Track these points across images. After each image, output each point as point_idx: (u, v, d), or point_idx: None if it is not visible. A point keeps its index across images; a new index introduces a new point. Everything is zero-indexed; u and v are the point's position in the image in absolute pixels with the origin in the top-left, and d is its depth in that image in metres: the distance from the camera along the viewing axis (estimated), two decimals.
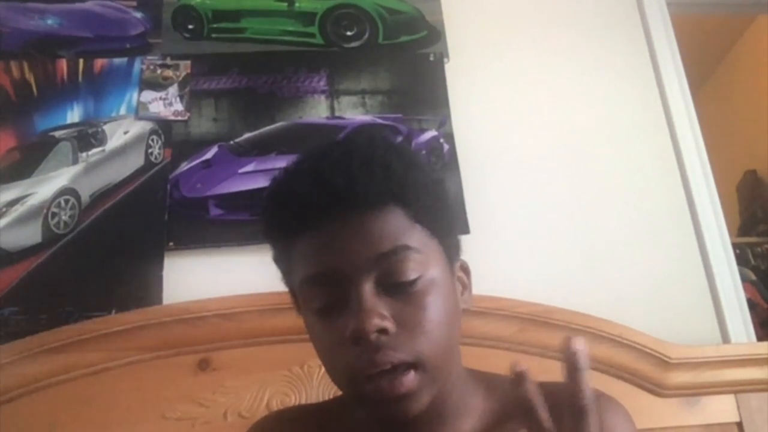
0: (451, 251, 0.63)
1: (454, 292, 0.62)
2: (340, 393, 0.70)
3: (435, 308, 0.57)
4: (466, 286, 0.66)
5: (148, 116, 1.39)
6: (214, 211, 1.31)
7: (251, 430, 0.73)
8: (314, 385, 1.10)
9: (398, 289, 0.56)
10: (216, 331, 1.13)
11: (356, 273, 0.55)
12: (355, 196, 0.56)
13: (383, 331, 0.54)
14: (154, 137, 1.37)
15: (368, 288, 0.55)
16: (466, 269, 0.67)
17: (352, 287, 0.55)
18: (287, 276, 0.64)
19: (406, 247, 0.56)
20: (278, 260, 0.65)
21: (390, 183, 0.57)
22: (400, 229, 0.57)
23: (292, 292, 0.65)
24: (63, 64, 1.41)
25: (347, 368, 0.55)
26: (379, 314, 0.54)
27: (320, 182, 0.56)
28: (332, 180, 0.56)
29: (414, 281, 0.56)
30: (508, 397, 0.63)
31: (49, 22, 1.46)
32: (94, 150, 1.35)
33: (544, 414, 0.50)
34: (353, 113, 1.44)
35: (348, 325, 0.54)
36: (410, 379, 0.54)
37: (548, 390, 0.64)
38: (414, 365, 0.54)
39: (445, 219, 0.63)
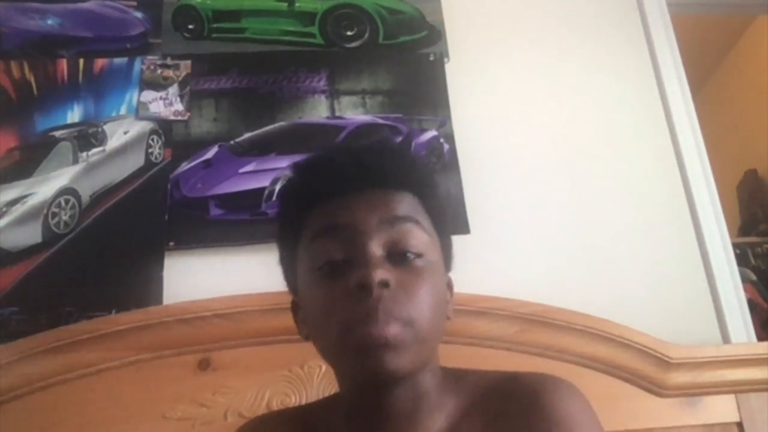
0: (447, 258, 0.68)
1: (446, 291, 0.66)
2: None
3: (431, 286, 0.60)
4: (449, 301, 0.68)
5: (149, 116, 1.39)
6: (215, 211, 1.31)
7: None
8: (314, 385, 1.10)
9: (403, 259, 0.60)
10: (216, 331, 1.13)
11: (368, 229, 0.60)
12: (383, 176, 0.63)
13: (385, 283, 0.57)
14: (155, 137, 1.37)
15: (377, 246, 0.59)
16: (450, 286, 0.70)
17: (362, 242, 0.59)
18: (291, 247, 0.66)
19: (417, 221, 0.62)
20: (285, 232, 0.68)
21: (412, 175, 0.65)
22: (415, 209, 0.63)
23: (288, 270, 0.68)
24: (63, 64, 1.41)
25: (345, 317, 0.57)
26: (384, 268, 0.58)
27: (355, 158, 0.63)
28: (366, 159, 0.63)
29: (418, 255, 0.61)
30: (474, 392, 0.66)
31: (50, 22, 1.46)
32: (95, 150, 1.35)
33: None
34: (353, 113, 1.44)
35: (352, 278, 0.57)
36: (398, 329, 0.56)
37: (498, 380, 0.66)
38: (405, 322, 0.57)
39: (446, 225, 0.69)
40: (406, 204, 0.63)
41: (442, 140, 1.43)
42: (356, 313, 0.56)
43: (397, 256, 0.60)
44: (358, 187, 0.62)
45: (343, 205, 0.62)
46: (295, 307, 0.68)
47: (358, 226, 0.60)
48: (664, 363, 1.18)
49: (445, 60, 1.52)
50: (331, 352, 0.61)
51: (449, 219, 0.71)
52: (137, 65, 1.44)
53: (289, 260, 0.67)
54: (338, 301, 0.58)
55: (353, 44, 1.52)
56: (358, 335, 0.56)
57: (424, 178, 0.67)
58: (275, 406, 1.08)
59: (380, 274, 0.57)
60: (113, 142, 1.36)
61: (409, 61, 1.51)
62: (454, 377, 0.67)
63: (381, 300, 0.56)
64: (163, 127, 1.38)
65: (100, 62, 1.43)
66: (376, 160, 0.63)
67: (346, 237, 0.60)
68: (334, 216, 0.62)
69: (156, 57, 1.45)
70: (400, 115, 1.45)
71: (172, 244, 1.27)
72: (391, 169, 0.63)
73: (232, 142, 1.39)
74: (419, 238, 0.61)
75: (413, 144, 1.42)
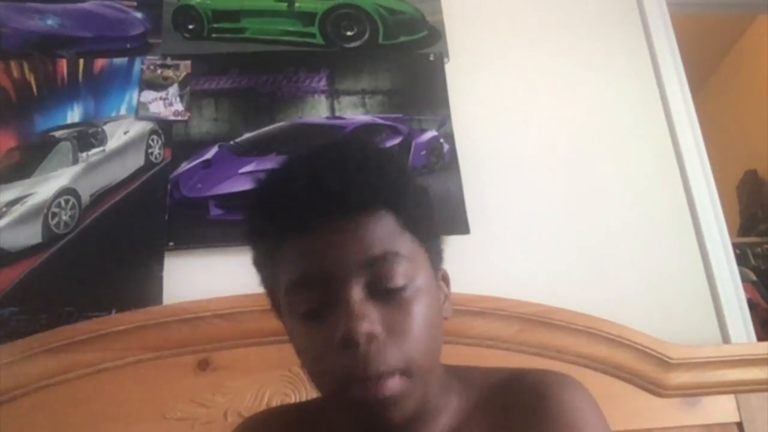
0: (435, 259, 0.64)
1: (439, 302, 0.62)
2: None
3: (422, 316, 0.57)
4: (447, 296, 0.65)
5: (149, 116, 1.39)
6: (215, 211, 1.31)
7: (236, 431, 0.73)
8: None
9: (386, 295, 0.56)
10: (216, 331, 1.13)
11: (346, 275, 0.55)
12: (349, 200, 0.56)
13: (373, 336, 0.53)
14: (155, 137, 1.37)
15: (357, 291, 0.55)
16: (446, 279, 0.67)
17: (341, 290, 0.55)
18: (270, 279, 0.63)
19: (396, 254, 0.57)
20: (260, 263, 0.64)
21: (383, 188, 0.58)
22: (391, 234, 0.57)
23: (272, 295, 0.64)
24: (63, 64, 1.41)
25: (335, 374, 0.54)
26: (369, 319, 0.54)
27: (314, 185, 0.56)
28: (326, 183, 0.56)
29: (402, 288, 0.56)
30: (479, 390, 0.64)
31: (49, 22, 1.46)
32: (95, 150, 1.35)
33: None
34: (353, 113, 1.44)
35: (336, 329, 0.54)
36: (397, 383, 0.54)
37: (502, 377, 0.65)
38: (401, 371, 0.54)
39: (431, 226, 0.64)
40: (380, 231, 0.57)
41: (442, 140, 1.43)
42: (347, 368, 0.53)
43: (380, 293, 0.56)
44: (326, 222, 0.56)
45: (313, 246, 0.56)
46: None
47: (333, 272, 0.55)
48: (664, 363, 1.18)
49: (445, 60, 1.52)
50: (327, 396, 0.59)
51: (435, 219, 0.65)
52: (137, 65, 1.44)
53: (271, 285, 0.64)
54: (326, 354, 0.55)
55: (353, 44, 1.52)
56: (355, 394, 0.53)
57: (397, 189, 0.59)
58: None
59: (366, 327, 0.53)
60: (113, 142, 1.36)
61: (409, 61, 1.51)
62: (458, 375, 0.66)
63: (371, 354, 0.53)
64: (163, 127, 1.38)
65: (100, 62, 1.43)
66: (340, 182, 0.56)
67: (322, 285, 0.56)
68: (306, 264, 0.56)
69: (156, 57, 1.45)
70: (400, 115, 1.45)
71: (172, 244, 1.27)
72: (358, 193, 0.56)
73: (232, 142, 1.39)
74: (401, 269, 0.56)
75: (413, 144, 1.42)
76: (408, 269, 0.57)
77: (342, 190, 0.56)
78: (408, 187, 0.61)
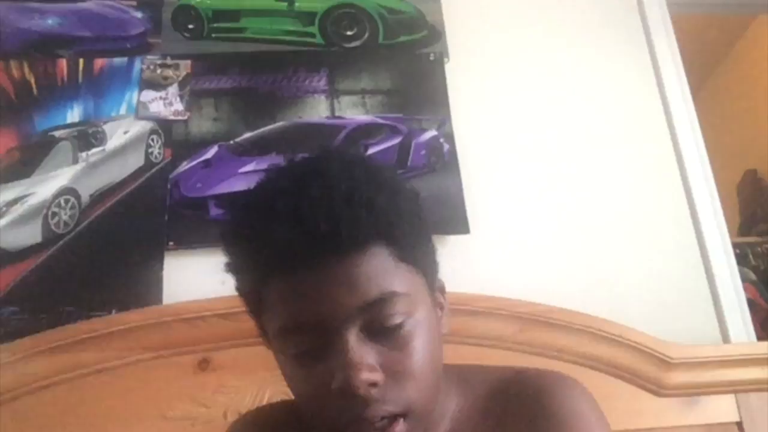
0: (432, 277, 0.61)
1: (438, 325, 0.60)
2: None
3: (422, 351, 0.55)
4: (443, 308, 0.64)
5: (148, 116, 1.39)
6: (215, 211, 1.31)
7: (230, 429, 0.73)
8: None
9: (384, 333, 0.54)
10: (216, 330, 1.13)
11: (341, 323, 0.52)
12: (339, 240, 0.52)
13: (373, 384, 0.52)
14: (154, 137, 1.37)
15: (354, 336, 0.52)
16: (442, 289, 0.65)
17: (337, 336, 0.53)
18: (256, 311, 0.61)
19: (392, 293, 0.54)
20: (244, 294, 0.62)
21: (375, 222, 0.54)
22: (386, 271, 0.54)
23: (258, 320, 0.62)
24: (63, 64, 1.41)
25: (332, 417, 0.53)
26: (368, 366, 0.52)
27: (300, 225, 0.52)
28: (314, 223, 0.51)
29: (400, 325, 0.54)
30: (479, 391, 0.64)
31: (49, 22, 1.46)
32: (94, 150, 1.35)
33: None
34: (353, 113, 1.44)
35: (333, 375, 0.52)
36: (400, 428, 0.53)
37: (502, 378, 0.64)
38: (404, 415, 0.53)
39: (426, 244, 0.61)
40: (374, 271, 0.53)
41: (441, 140, 1.43)
42: (348, 417, 0.52)
43: (378, 331, 0.54)
44: (315, 263, 0.52)
45: (304, 290, 0.53)
46: None
47: (328, 319, 0.52)
48: (664, 363, 1.18)
49: (445, 60, 1.52)
50: None
51: (427, 230, 0.62)
52: (137, 65, 1.44)
53: (257, 315, 0.61)
54: (323, 396, 0.53)
55: (353, 44, 1.52)
56: None
57: (390, 221, 0.55)
58: None
59: (365, 376, 0.51)
60: (113, 142, 1.36)
61: (409, 61, 1.51)
62: (457, 376, 0.66)
63: (371, 401, 0.51)
64: (163, 126, 1.38)
65: (99, 62, 1.43)
66: (328, 222, 0.51)
67: (316, 331, 0.53)
68: (298, 309, 0.53)
69: (156, 57, 1.45)
70: (400, 115, 1.45)
71: (171, 243, 1.27)
72: (349, 230, 0.52)
73: (231, 141, 1.39)
74: (398, 307, 0.54)
75: (413, 144, 1.42)
76: (406, 305, 0.55)
77: (331, 230, 0.51)
78: (401, 211, 0.57)
